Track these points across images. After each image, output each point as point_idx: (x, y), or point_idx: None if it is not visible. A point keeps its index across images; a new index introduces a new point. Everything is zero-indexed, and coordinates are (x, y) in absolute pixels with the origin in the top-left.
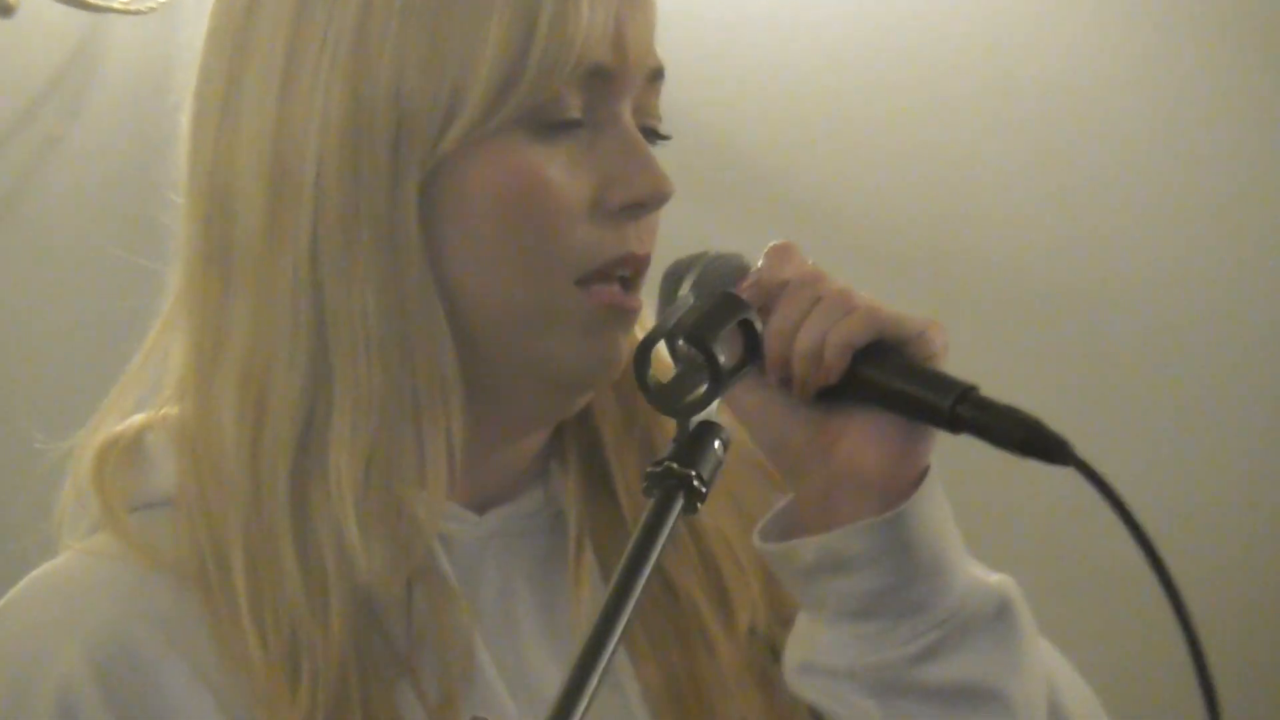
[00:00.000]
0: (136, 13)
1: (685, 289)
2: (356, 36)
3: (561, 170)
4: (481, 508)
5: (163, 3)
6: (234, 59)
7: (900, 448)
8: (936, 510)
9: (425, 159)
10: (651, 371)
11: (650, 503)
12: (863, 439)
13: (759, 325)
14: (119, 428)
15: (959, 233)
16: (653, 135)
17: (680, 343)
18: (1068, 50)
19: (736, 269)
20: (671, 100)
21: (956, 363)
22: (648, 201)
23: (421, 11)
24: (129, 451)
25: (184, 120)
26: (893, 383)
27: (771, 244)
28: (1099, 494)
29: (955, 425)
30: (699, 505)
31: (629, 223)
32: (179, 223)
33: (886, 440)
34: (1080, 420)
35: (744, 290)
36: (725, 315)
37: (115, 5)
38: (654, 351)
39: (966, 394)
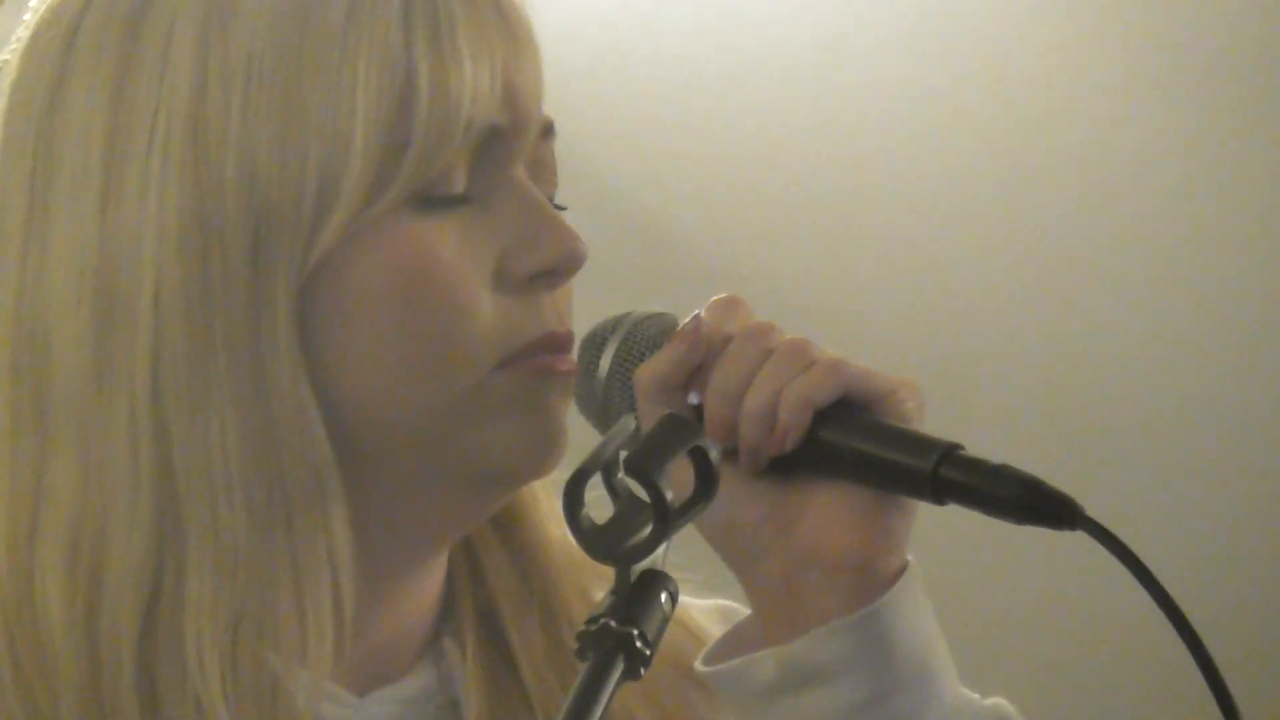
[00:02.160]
0: None
1: (607, 358)
2: (192, 118)
3: (455, 246)
4: (363, 687)
5: None
6: (38, 159)
7: (873, 526)
8: (918, 606)
9: (296, 260)
10: (584, 510)
11: (584, 668)
12: (828, 516)
13: (714, 455)
14: None
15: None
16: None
17: (619, 476)
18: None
19: (667, 332)
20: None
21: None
22: (560, 267)
23: (269, 81)
24: None
25: None
26: (862, 446)
27: (714, 297)
28: (1117, 557)
29: (940, 492)
30: (642, 670)
31: (542, 294)
32: None
33: (856, 517)
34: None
35: (678, 342)
36: (673, 443)
37: None
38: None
39: (951, 454)
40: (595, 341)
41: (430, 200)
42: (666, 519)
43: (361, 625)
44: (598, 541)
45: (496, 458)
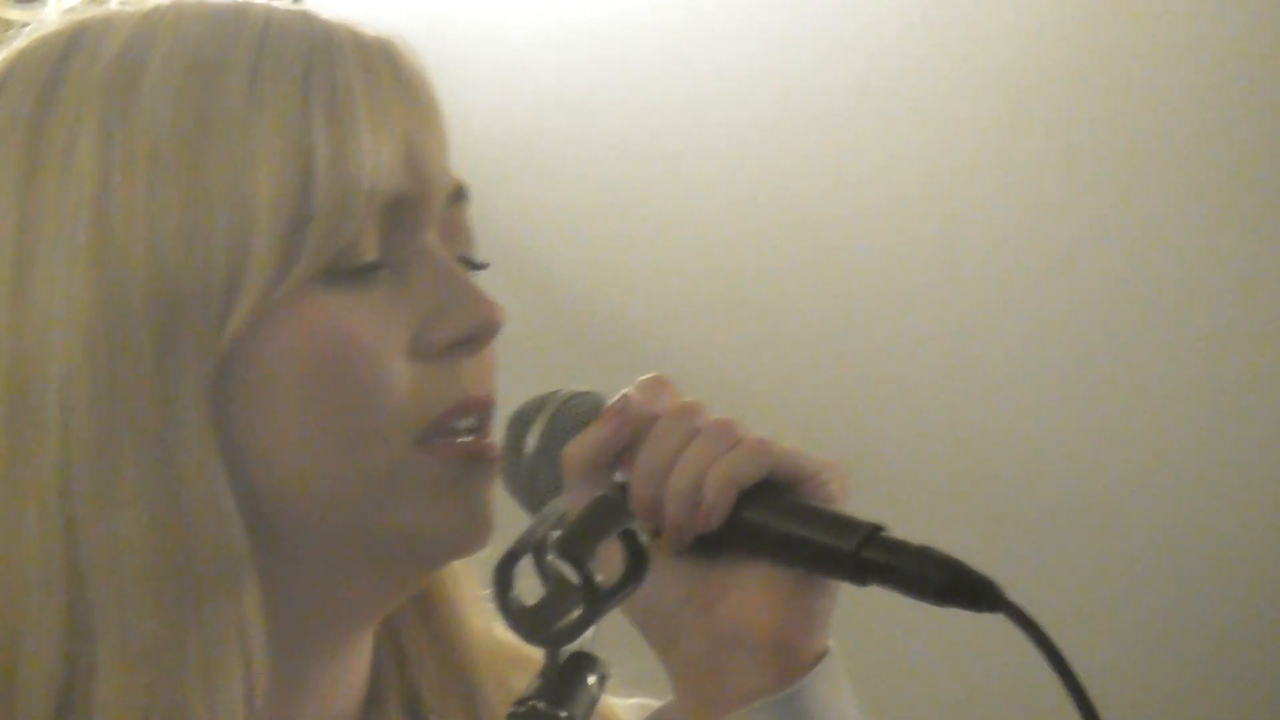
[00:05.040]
0: None
1: (534, 436)
2: (97, 210)
3: (369, 319)
4: None
5: None
6: None
7: (796, 606)
8: (840, 688)
9: (207, 345)
10: (514, 593)
11: None
12: (751, 595)
13: (644, 538)
14: None
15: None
16: (468, 264)
17: (549, 558)
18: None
19: (595, 411)
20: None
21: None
22: (476, 334)
23: (171, 167)
24: None
25: None
26: (786, 526)
27: (642, 377)
28: (1034, 644)
29: (862, 573)
30: None
31: (461, 362)
32: None
33: (780, 596)
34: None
35: (606, 421)
36: (604, 525)
37: None
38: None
39: (873, 535)
40: (522, 419)
41: (341, 273)
42: (596, 601)
43: (283, 713)
44: (527, 623)
45: (419, 538)
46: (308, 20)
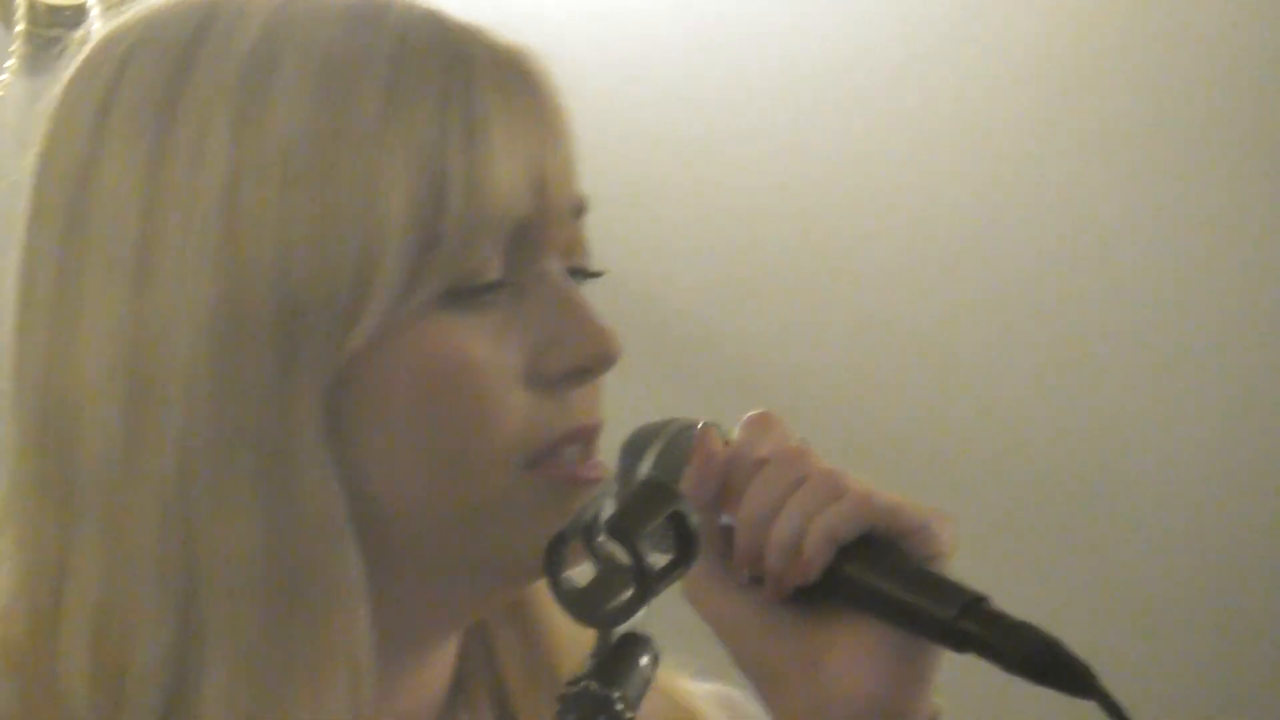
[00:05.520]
0: None
1: (647, 465)
2: (227, 206)
3: (487, 343)
4: None
5: None
6: (69, 234)
7: (902, 669)
8: None
9: (328, 357)
10: (565, 574)
11: None
12: (854, 655)
13: (693, 519)
14: None
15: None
16: (582, 274)
17: (600, 539)
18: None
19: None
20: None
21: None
22: (592, 366)
23: (304, 173)
24: None
25: (7, 311)
26: (883, 586)
27: (749, 414)
28: None
29: (960, 642)
30: None
31: (572, 391)
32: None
33: (884, 658)
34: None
35: (711, 466)
36: (654, 507)
37: None
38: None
39: (974, 605)
40: (636, 448)
41: (463, 293)
42: (647, 582)
43: (376, 708)
44: (578, 604)
45: (520, 556)
46: (443, 29)
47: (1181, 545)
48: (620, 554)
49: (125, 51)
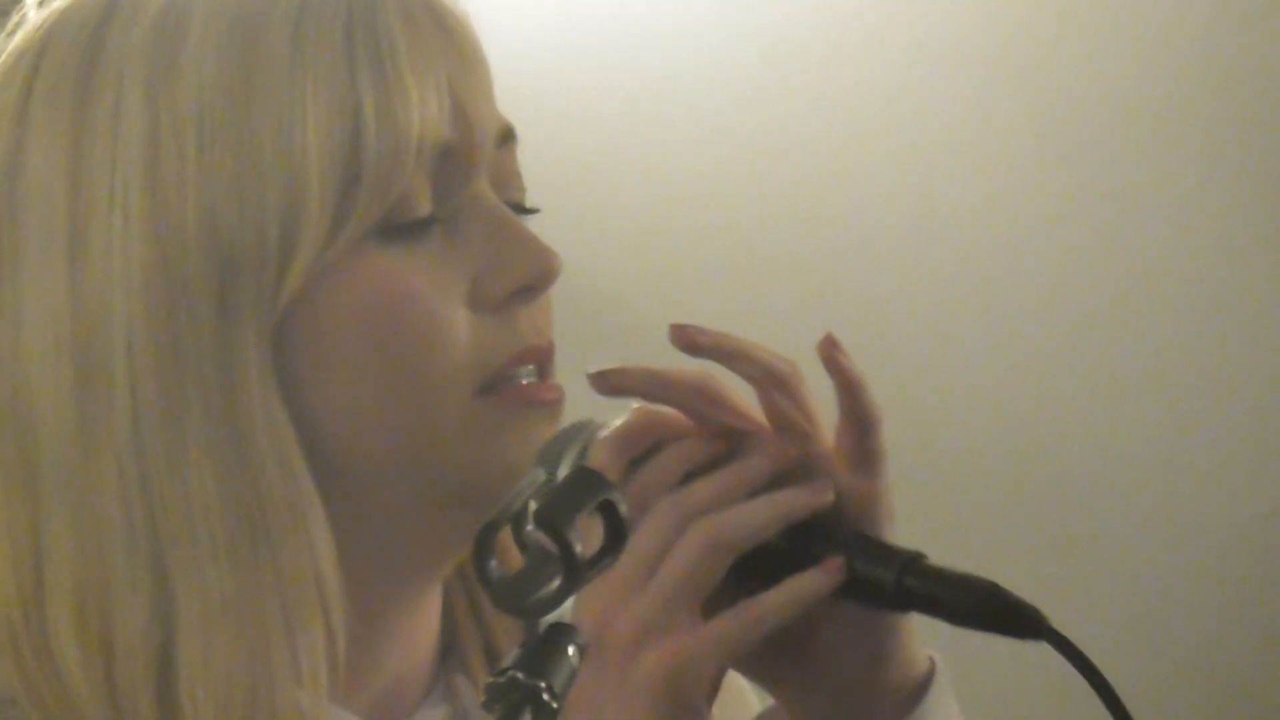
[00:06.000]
0: None
1: (565, 467)
2: (149, 171)
3: (426, 274)
4: None
5: None
6: (2, 223)
7: (882, 638)
8: (950, 706)
9: (264, 305)
10: (494, 563)
11: None
12: (831, 637)
13: (623, 508)
14: None
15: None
16: (519, 209)
17: (529, 529)
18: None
19: None
20: None
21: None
22: (534, 283)
23: (220, 128)
24: None
25: None
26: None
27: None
28: (1077, 669)
29: (903, 601)
30: None
31: (519, 310)
32: None
33: (863, 630)
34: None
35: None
36: (584, 496)
37: None
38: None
39: (912, 564)
40: (556, 448)
41: (395, 228)
42: (575, 572)
43: (362, 665)
44: (506, 593)
45: (482, 479)
46: None
47: (1182, 543)
48: (549, 544)
49: (42, 39)
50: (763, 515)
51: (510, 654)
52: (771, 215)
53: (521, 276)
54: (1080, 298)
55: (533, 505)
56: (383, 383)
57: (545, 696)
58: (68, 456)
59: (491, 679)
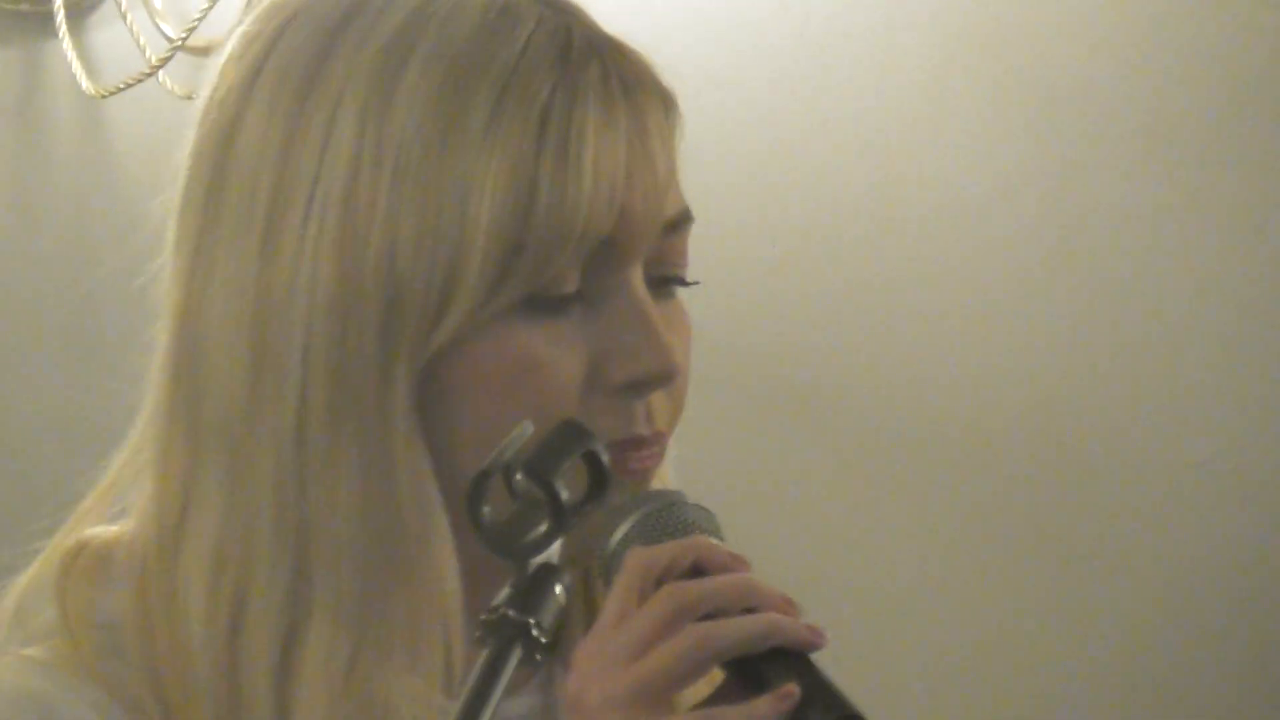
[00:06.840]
0: None
1: (621, 530)
2: (346, 193)
3: (553, 347)
4: None
5: None
6: (213, 186)
7: None
8: None
9: (417, 349)
10: (487, 509)
11: (483, 654)
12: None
13: (604, 457)
14: (89, 533)
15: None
16: (676, 282)
17: (518, 477)
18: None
19: (684, 529)
20: None
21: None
22: (650, 380)
23: (412, 173)
24: (96, 564)
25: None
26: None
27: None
28: None
29: None
30: (538, 657)
31: (635, 401)
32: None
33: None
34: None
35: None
36: (568, 446)
37: None
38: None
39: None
40: (622, 510)
41: (541, 300)
42: (561, 516)
43: (472, 658)
44: (497, 537)
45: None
46: (566, 43)
47: (1183, 544)
48: (537, 491)
49: (285, 20)
50: (757, 633)
51: (501, 593)
52: (774, 207)
53: (636, 370)
54: (1095, 290)
55: (521, 456)
56: (500, 435)
57: (534, 632)
58: (232, 423)
59: (484, 617)
